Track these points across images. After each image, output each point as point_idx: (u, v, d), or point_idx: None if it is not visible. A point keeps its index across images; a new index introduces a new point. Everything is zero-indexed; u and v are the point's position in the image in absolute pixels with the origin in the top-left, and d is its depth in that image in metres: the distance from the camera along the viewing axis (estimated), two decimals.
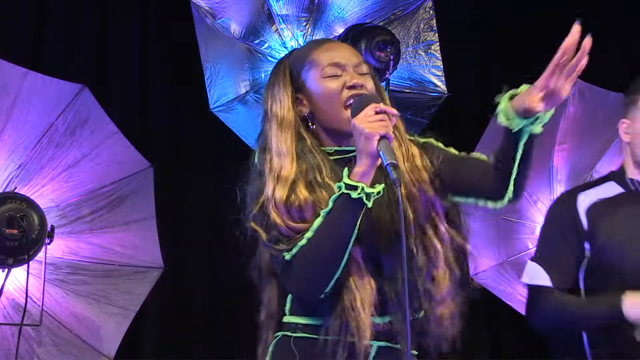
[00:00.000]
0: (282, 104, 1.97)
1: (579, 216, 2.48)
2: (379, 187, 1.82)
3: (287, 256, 1.82)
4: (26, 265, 3.48)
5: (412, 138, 2.10)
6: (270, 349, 1.96)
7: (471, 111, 5.04)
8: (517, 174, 1.99)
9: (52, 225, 3.58)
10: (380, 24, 4.06)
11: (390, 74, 3.86)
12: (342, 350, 1.84)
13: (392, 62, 3.81)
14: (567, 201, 2.54)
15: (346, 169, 1.82)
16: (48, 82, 3.68)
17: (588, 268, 2.47)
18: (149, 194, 3.87)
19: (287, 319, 1.94)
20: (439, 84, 4.21)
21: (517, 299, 4.48)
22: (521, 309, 4.49)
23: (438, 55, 4.18)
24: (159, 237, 3.89)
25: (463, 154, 2.08)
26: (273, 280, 1.98)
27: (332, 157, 1.96)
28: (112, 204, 3.79)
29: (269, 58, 4.06)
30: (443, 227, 1.99)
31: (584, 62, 1.91)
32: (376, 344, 1.88)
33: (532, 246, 4.38)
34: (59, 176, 3.69)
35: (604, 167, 4.21)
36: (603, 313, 2.37)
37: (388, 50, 3.80)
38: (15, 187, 3.60)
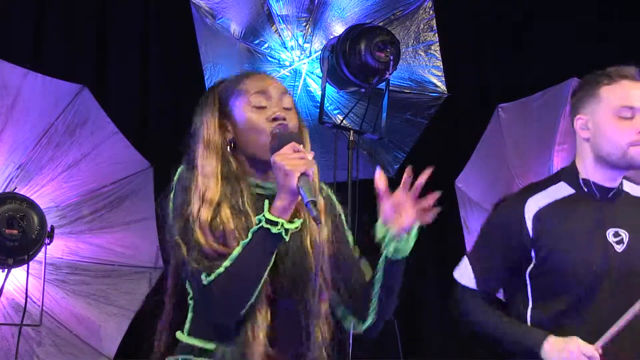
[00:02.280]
0: (209, 127, 2.02)
1: (525, 224, 2.44)
2: (298, 223, 1.87)
3: (205, 281, 1.84)
4: (26, 265, 3.48)
5: (330, 193, 2.14)
6: None
7: (471, 111, 5.04)
8: (377, 299, 2.00)
9: (52, 226, 3.59)
10: (380, 24, 4.06)
11: (390, 74, 3.86)
12: None
13: (392, 62, 3.80)
14: (514, 206, 2.49)
15: (267, 201, 1.87)
16: (48, 82, 3.68)
17: (533, 271, 2.45)
18: (148, 194, 3.87)
19: (186, 340, 1.99)
20: (438, 84, 4.21)
21: None
22: None
23: (438, 55, 4.18)
24: (159, 237, 3.89)
25: (357, 258, 2.10)
26: (176, 290, 2.01)
27: (254, 190, 1.99)
28: (112, 204, 3.79)
29: (269, 58, 4.06)
30: (329, 279, 2.00)
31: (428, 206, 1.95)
32: None
33: None
34: (59, 176, 3.70)
35: None
36: (521, 345, 2.39)
37: (388, 50, 3.80)
38: (15, 188, 3.60)
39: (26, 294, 3.45)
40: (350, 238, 2.12)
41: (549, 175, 2.69)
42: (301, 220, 1.89)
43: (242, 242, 1.85)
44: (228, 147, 2.01)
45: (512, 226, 2.46)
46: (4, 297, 3.51)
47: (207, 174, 1.96)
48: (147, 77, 4.58)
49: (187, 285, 1.97)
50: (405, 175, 1.92)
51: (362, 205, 3.57)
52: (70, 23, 4.42)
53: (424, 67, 4.20)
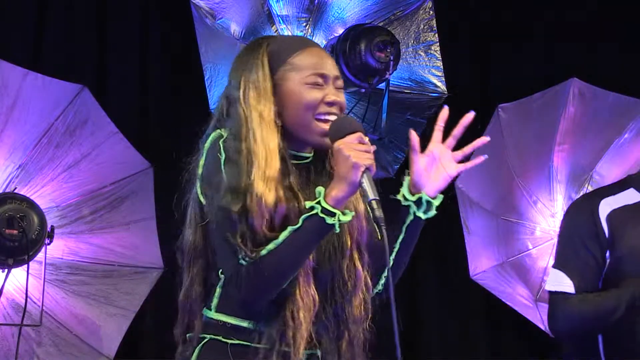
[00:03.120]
0: (263, 96, 1.90)
1: (601, 224, 2.42)
2: (350, 215, 1.80)
3: (244, 261, 1.77)
4: (26, 265, 3.48)
5: None
6: (197, 352, 1.93)
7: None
8: (394, 261, 1.94)
9: (52, 226, 3.58)
10: (380, 24, 4.06)
11: (390, 74, 3.86)
12: (276, 358, 1.81)
13: (392, 62, 3.80)
14: (587, 207, 2.46)
15: (321, 188, 1.79)
16: (48, 82, 3.68)
17: (606, 277, 2.44)
18: (149, 194, 3.87)
19: (213, 315, 1.89)
20: (438, 84, 4.21)
21: (517, 299, 4.49)
22: (521, 309, 4.50)
23: (438, 55, 4.18)
24: (159, 237, 3.89)
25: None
26: (198, 262, 1.94)
27: (296, 162, 1.92)
28: (112, 204, 3.79)
29: None
30: (366, 255, 1.95)
31: (477, 144, 1.97)
32: (306, 352, 1.86)
33: (532, 247, 4.39)
34: (59, 176, 3.69)
35: (604, 168, 4.22)
36: (625, 299, 2.34)
37: (388, 50, 3.80)
38: (15, 188, 3.60)
39: (26, 294, 3.45)
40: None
41: (617, 180, 2.66)
42: (353, 213, 1.81)
43: (290, 228, 1.77)
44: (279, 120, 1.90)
45: (588, 227, 2.43)
46: (4, 297, 3.51)
47: (269, 151, 1.83)
48: (147, 77, 4.58)
49: (217, 259, 1.88)
50: (440, 118, 1.89)
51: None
52: (70, 23, 4.42)
53: (424, 67, 4.20)
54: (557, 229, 4.25)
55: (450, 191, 4.62)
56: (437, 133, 1.98)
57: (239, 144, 1.86)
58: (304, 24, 4.05)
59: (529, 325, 4.51)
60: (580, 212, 2.50)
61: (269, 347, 1.81)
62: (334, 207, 1.77)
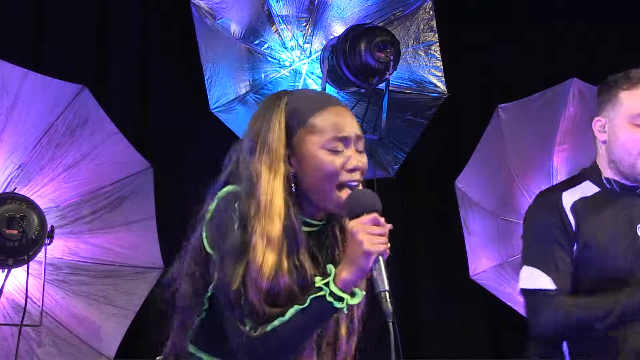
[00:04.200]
0: (275, 162, 1.80)
1: (567, 216, 2.42)
2: (359, 298, 1.76)
3: (250, 335, 1.74)
4: (26, 265, 3.48)
5: None
6: None
7: (471, 111, 5.04)
8: None
9: (52, 226, 3.58)
10: (380, 24, 4.06)
11: (390, 74, 3.86)
12: None
13: (392, 62, 3.80)
14: (551, 201, 2.46)
15: (331, 267, 1.75)
16: (48, 82, 3.68)
17: (573, 264, 2.43)
18: (149, 194, 3.87)
19: (191, 349, 1.89)
20: (438, 84, 4.21)
21: (517, 299, 4.47)
22: (521, 309, 4.50)
23: (438, 55, 4.18)
24: (159, 237, 3.89)
25: None
26: (193, 311, 1.91)
27: (308, 229, 1.86)
28: (112, 204, 3.79)
29: (269, 58, 4.06)
30: (356, 325, 1.96)
31: None
32: None
33: None
34: (59, 176, 3.69)
35: None
36: (616, 307, 2.33)
37: (388, 50, 3.80)
38: (15, 188, 3.60)
39: (26, 294, 3.45)
40: None
41: (572, 175, 2.66)
42: (363, 293, 1.77)
43: (296, 306, 1.73)
44: (290, 183, 1.81)
45: (556, 220, 2.42)
46: (4, 298, 3.51)
47: (271, 221, 1.76)
48: (147, 77, 4.58)
49: (205, 300, 1.85)
50: None
51: None
52: (70, 23, 4.42)
53: (424, 67, 4.20)
54: None
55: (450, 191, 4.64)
56: None
57: (243, 208, 1.79)
58: (304, 24, 4.05)
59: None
60: (546, 207, 2.48)
61: None
62: (342, 291, 1.72)
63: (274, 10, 3.97)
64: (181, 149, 4.62)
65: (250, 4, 3.99)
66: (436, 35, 4.17)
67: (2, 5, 4.22)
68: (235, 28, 4.00)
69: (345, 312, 1.75)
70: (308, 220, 1.86)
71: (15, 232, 3.46)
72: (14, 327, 3.53)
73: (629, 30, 4.88)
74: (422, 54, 4.19)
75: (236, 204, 1.79)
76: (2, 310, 3.58)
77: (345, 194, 1.80)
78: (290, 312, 1.74)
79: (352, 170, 1.81)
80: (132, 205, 3.83)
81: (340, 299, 1.72)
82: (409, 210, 4.91)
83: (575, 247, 2.40)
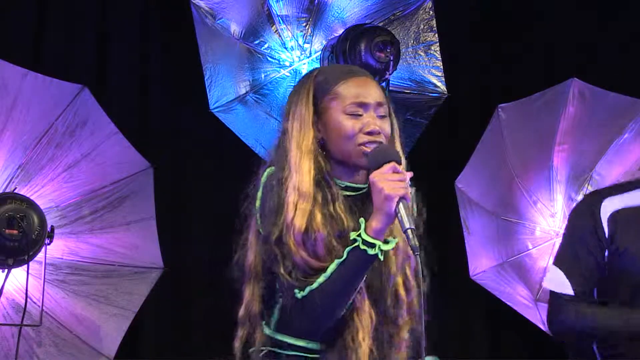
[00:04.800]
0: (303, 126, 1.97)
1: (601, 223, 2.44)
2: (393, 244, 1.89)
3: (298, 295, 1.87)
4: (26, 265, 3.48)
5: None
6: None
7: (471, 111, 5.04)
8: None
9: (52, 226, 3.58)
10: (380, 24, 4.06)
11: (390, 74, 3.86)
12: None
13: (392, 62, 3.80)
14: (589, 206, 2.48)
15: (362, 220, 1.87)
16: (48, 82, 3.68)
17: (602, 277, 2.44)
18: (149, 194, 3.87)
19: (272, 334, 1.97)
20: (438, 84, 4.21)
21: (517, 299, 4.49)
22: (521, 309, 4.50)
23: (438, 55, 4.18)
24: (159, 237, 3.89)
25: None
26: (258, 282, 1.99)
27: (343, 192, 1.97)
28: (112, 204, 3.78)
29: (269, 58, 4.06)
30: (411, 280, 2.03)
31: None
32: None
33: (532, 247, 4.38)
34: (59, 176, 3.69)
35: (603, 168, 4.21)
36: (624, 328, 2.35)
37: (388, 50, 3.80)
38: (15, 188, 3.60)
39: (26, 294, 3.45)
40: None
41: (625, 180, 2.66)
42: (396, 240, 1.89)
43: (336, 260, 1.86)
44: (320, 147, 1.97)
45: (589, 226, 2.44)
46: (4, 297, 3.51)
47: (302, 176, 1.92)
48: (147, 77, 4.58)
49: (278, 285, 1.95)
50: None
51: None
52: (70, 23, 4.42)
53: (424, 67, 4.20)
54: (557, 229, 4.29)
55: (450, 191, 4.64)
56: None
57: (279, 174, 1.94)
58: (304, 24, 4.05)
59: (529, 325, 4.51)
60: (582, 211, 2.51)
61: None
62: (375, 238, 1.85)
63: (274, 10, 3.97)
64: (181, 149, 4.62)
65: (250, 4, 3.99)
66: (436, 35, 4.17)
67: (2, 5, 4.22)
68: (235, 28, 4.00)
69: (382, 259, 1.86)
70: (349, 184, 1.98)
71: (15, 232, 3.45)
72: (14, 327, 3.53)
73: (629, 30, 4.88)
74: (422, 54, 4.19)
75: (268, 180, 1.95)
76: (2, 310, 3.58)
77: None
78: (331, 267, 1.86)
79: (370, 133, 1.94)
80: (132, 205, 3.83)
81: (373, 245, 1.84)
82: None
83: (606, 254, 2.42)
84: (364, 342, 1.90)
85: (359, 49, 3.79)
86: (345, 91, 1.97)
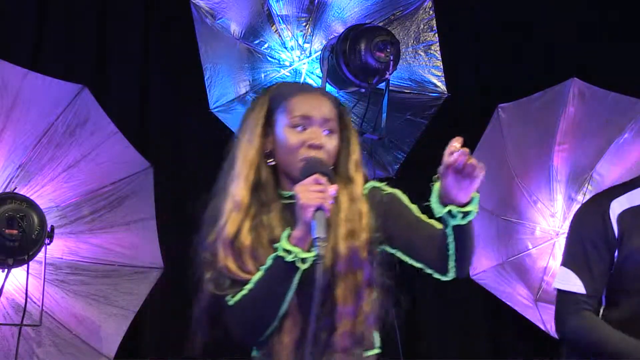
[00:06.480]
0: (251, 137, 2.06)
1: (611, 224, 2.44)
2: (312, 253, 1.91)
3: (230, 302, 1.94)
4: (26, 265, 3.48)
5: (377, 185, 2.14)
6: None
7: (471, 111, 5.04)
8: (456, 256, 1.99)
9: (52, 226, 3.58)
10: (380, 24, 4.06)
11: (390, 74, 3.86)
12: None
13: (392, 62, 3.80)
14: (598, 207, 2.49)
15: (287, 230, 1.94)
16: (48, 82, 3.68)
17: (611, 278, 2.44)
18: (148, 194, 3.87)
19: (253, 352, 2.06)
20: (438, 84, 4.21)
21: (517, 299, 4.49)
22: (521, 309, 4.50)
23: (438, 55, 4.18)
24: (159, 237, 3.89)
25: (422, 218, 2.09)
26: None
27: (286, 202, 2.04)
28: (112, 204, 3.78)
29: (269, 58, 4.06)
30: (362, 282, 2.03)
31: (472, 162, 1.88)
32: None
33: (532, 247, 4.38)
34: (59, 176, 3.69)
35: (604, 168, 4.21)
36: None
37: (388, 50, 3.80)
38: (15, 188, 3.60)
39: (26, 294, 3.45)
40: (413, 206, 2.11)
41: (627, 179, 2.66)
42: (315, 252, 1.88)
43: (261, 268, 1.93)
44: (265, 158, 2.06)
45: (598, 227, 2.45)
46: (4, 297, 3.51)
47: (239, 185, 2.01)
48: (147, 77, 4.58)
49: None
50: (455, 152, 1.90)
51: None
52: (70, 23, 4.42)
53: (424, 67, 4.20)
54: (557, 229, 4.28)
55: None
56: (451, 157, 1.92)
57: (222, 181, 2.06)
58: (304, 24, 4.05)
59: (529, 325, 4.51)
60: (591, 212, 2.51)
61: None
62: (294, 246, 1.91)
63: (274, 10, 3.97)
64: (181, 149, 4.62)
65: (250, 3, 3.99)
66: (436, 35, 4.17)
67: (2, 5, 4.22)
68: (235, 28, 3.99)
69: (303, 267, 1.91)
70: (289, 193, 2.04)
71: (15, 232, 3.45)
72: (14, 327, 3.53)
73: (629, 30, 4.88)
74: (422, 54, 4.19)
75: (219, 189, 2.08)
76: (2, 310, 3.58)
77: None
78: (257, 275, 1.94)
79: (313, 147, 2.01)
80: (132, 205, 3.83)
81: (289, 252, 1.91)
82: None
83: (616, 255, 2.42)
84: (289, 345, 1.94)
85: (359, 49, 3.79)
86: (293, 105, 2.05)
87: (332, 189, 1.93)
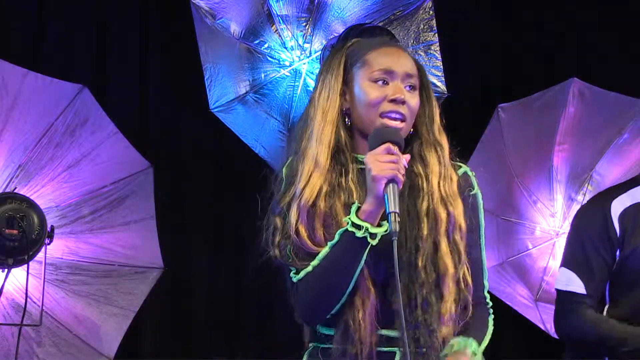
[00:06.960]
0: (330, 95, 1.93)
1: (613, 224, 2.44)
2: (385, 227, 1.80)
3: (294, 278, 1.84)
4: (26, 265, 3.48)
5: (469, 174, 2.14)
6: (304, 358, 1.98)
7: (471, 111, 5.04)
8: None
9: (52, 226, 3.58)
10: (380, 24, 4.05)
11: None
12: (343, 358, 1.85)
13: None
14: (599, 207, 2.49)
15: (355, 204, 1.82)
16: (48, 82, 3.67)
17: (614, 276, 2.45)
18: (148, 194, 3.86)
19: (318, 327, 1.94)
20: (439, 84, 4.21)
21: (517, 299, 4.48)
22: (521, 309, 4.50)
23: (438, 55, 4.18)
24: (159, 237, 3.89)
25: (481, 242, 2.02)
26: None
27: (361, 166, 1.90)
28: (112, 204, 3.78)
29: (269, 58, 4.06)
30: (462, 247, 1.92)
31: None
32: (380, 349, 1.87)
33: (532, 247, 4.38)
34: (59, 176, 3.69)
35: (604, 168, 4.21)
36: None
37: None
38: (15, 188, 3.60)
39: (26, 294, 3.45)
40: (482, 222, 2.03)
41: (628, 179, 2.67)
42: (388, 225, 1.77)
43: (329, 243, 1.81)
44: (344, 118, 1.94)
45: (600, 228, 2.45)
46: (4, 297, 3.51)
47: (320, 147, 1.88)
48: (147, 77, 4.58)
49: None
50: None
51: None
52: (70, 23, 4.42)
53: (424, 67, 4.20)
54: (557, 229, 4.28)
55: None
56: None
57: (298, 145, 1.92)
58: (304, 24, 4.05)
59: (529, 325, 4.51)
60: (592, 213, 2.51)
61: (342, 349, 1.85)
62: (364, 221, 1.78)
63: (274, 10, 3.97)
64: (181, 149, 4.62)
65: (250, 3, 3.99)
66: (436, 35, 4.17)
67: (2, 5, 4.22)
68: (235, 28, 3.99)
69: (373, 243, 1.79)
70: (364, 157, 1.88)
71: (15, 232, 3.45)
72: (14, 327, 3.53)
73: (629, 30, 4.88)
74: (422, 54, 4.18)
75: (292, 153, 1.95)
76: (2, 310, 3.58)
77: (392, 123, 1.88)
78: (324, 249, 1.82)
79: (394, 101, 1.88)
80: (132, 205, 3.83)
81: (359, 227, 1.78)
82: None
83: (618, 254, 2.42)
84: (365, 322, 1.83)
85: None
86: (373, 59, 1.93)
87: (405, 159, 1.81)
